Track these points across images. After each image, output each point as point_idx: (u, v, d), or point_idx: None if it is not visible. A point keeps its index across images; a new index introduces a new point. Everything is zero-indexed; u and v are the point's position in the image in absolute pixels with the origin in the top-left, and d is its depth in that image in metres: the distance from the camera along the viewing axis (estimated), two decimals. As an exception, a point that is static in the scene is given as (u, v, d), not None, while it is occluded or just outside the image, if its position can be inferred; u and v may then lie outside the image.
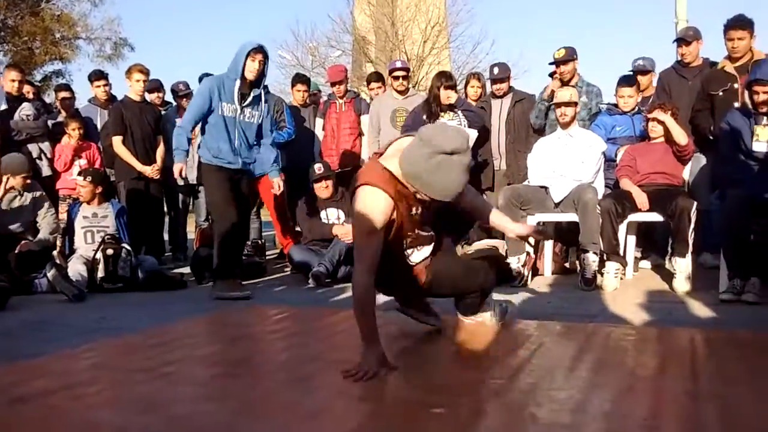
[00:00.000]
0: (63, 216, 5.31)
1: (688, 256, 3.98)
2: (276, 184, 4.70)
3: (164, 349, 2.72)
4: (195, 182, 6.13)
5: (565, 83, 5.13)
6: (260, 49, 4.30)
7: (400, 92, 5.76)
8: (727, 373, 2.12)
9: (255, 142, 4.51)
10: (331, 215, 5.17)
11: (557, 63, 5.19)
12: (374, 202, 2.24)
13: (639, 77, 5.22)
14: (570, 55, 5.19)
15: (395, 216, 2.29)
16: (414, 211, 2.36)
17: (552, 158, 4.58)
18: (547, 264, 4.78)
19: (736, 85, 4.53)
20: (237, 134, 4.35)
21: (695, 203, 4.01)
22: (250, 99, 4.36)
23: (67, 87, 6.84)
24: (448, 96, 5.07)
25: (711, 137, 4.61)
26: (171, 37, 55.31)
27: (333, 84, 6.07)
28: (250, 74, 4.30)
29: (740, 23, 4.54)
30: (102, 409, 1.95)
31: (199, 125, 4.41)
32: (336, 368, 2.22)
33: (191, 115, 4.32)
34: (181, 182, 5.66)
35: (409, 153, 2.18)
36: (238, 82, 4.29)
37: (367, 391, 2.09)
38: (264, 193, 5.65)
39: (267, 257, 6.11)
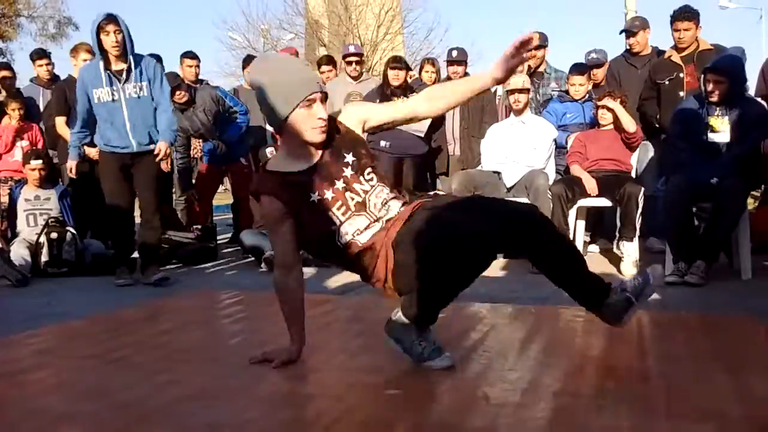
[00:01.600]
0: (4, 199, 5.12)
1: (635, 240, 4.09)
2: (157, 148, 4.09)
3: (112, 334, 2.66)
4: None
5: (534, 69, 5.18)
6: (109, 19, 3.93)
7: (353, 77, 5.73)
8: (672, 353, 2.18)
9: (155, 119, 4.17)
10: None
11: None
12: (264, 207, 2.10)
13: (593, 70, 5.26)
14: (543, 41, 5.24)
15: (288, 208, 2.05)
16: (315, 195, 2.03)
17: (505, 144, 4.62)
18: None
19: (681, 75, 4.64)
20: (127, 115, 4.05)
21: (642, 189, 4.11)
22: (124, 75, 4.03)
23: (7, 66, 6.58)
24: (396, 75, 5.08)
25: (657, 125, 4.73)
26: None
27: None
28: (113, 49, 3.96)
29: (686, 14, 4.65)
30: (47, 396, 1.89)
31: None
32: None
33: (78, 116, 4.18)
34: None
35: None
36: (101, 63, 4.01)
37: (321, 375, 2.08)
38: (234, 178, 5.85)
39: (218, 241, 6.02)
